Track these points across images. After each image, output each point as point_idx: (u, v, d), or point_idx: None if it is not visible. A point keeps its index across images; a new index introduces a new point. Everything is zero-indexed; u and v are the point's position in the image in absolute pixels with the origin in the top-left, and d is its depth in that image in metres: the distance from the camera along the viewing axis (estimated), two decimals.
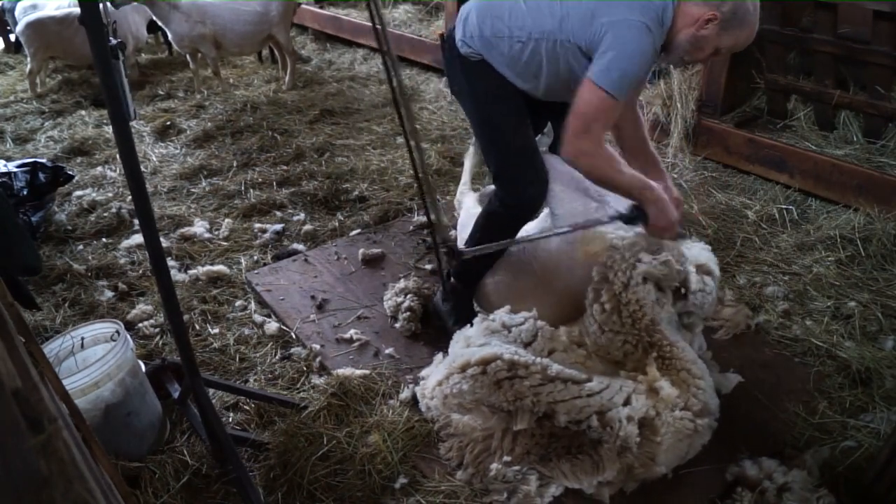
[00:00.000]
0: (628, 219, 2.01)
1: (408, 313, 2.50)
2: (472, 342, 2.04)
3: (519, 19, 1.95)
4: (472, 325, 2.16)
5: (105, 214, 3.44)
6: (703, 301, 2.04)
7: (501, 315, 2.15)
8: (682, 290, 2.01)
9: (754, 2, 1.82)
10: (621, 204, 2.12)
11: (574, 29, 1.86)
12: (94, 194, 3.69)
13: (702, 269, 2.11)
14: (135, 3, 5.11)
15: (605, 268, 2.02)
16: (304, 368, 2.35)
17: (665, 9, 1.80)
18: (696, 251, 2.26)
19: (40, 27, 5.11)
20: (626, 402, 1.84)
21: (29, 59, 5.31)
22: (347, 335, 2.48)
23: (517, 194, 2.15)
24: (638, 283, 1.94)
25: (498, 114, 2.09)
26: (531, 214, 2.29)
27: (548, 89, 2.06)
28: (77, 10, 5.25)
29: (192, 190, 3.78)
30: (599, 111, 1.80)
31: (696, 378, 1.93)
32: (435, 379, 1.98)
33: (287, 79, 5.48)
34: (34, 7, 5.53)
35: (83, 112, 5.03)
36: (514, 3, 1.98)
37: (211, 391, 2.12)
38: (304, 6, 6.81)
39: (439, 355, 2.20)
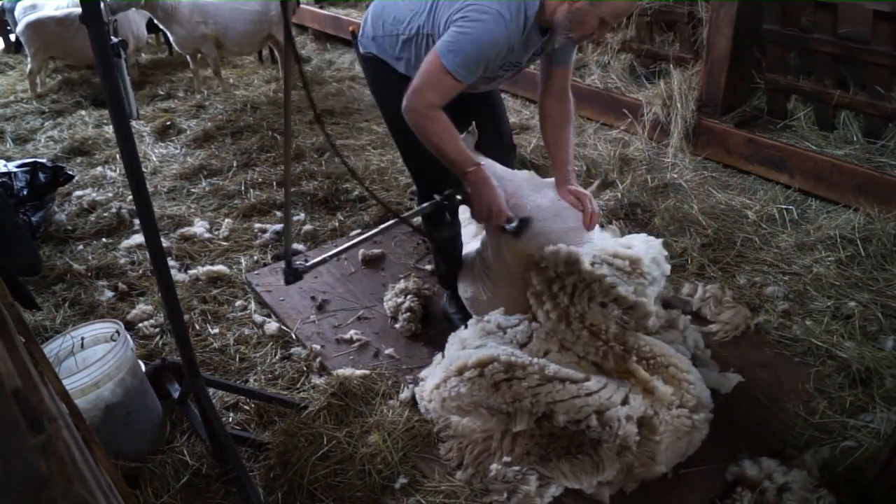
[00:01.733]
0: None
1: (408, 314, 2.50)
2: (467, 344, 2.04)
3: (399, 16, 2.01)
4: (466, 326, 2.16)
5: (105, 214, 3.44)
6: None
7: (496, 316, 2.15)
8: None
9: None
10: (540, 199, 2.13)
11: (440, 20, 1.90)
12: (94, 194, 3.69)
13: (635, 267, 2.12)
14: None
15: (543, 275, 2.05)
16: (304, 368, 2.35)
17: None
18: (638, 244, 2.24)
19: (40, 27, 5.11)
20: (625, 402, 1.84)
21: (29, 59, 5.31)
22: (347, 336, 2.48)
23: (428, 182, 2.18)
24: (592, 306, 1.99)
25: (398, 105, 2.12)
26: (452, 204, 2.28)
27: None
28: (77, 10, 5.28)
29: (192, 190, 3.78)
30: (434, 79, 1.82)
31: (684, 372, 1.96)
32: (432, 382, 1.97)
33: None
34: (34, 7, 5.53)
35: (83, 112, 5.03)
36: (396, 2, 2.03)
37: (211, 391, 2.12)
38: (303, 6, 6.81)
39: (439, 356, 2.19)
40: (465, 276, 2.44)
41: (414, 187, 2.57)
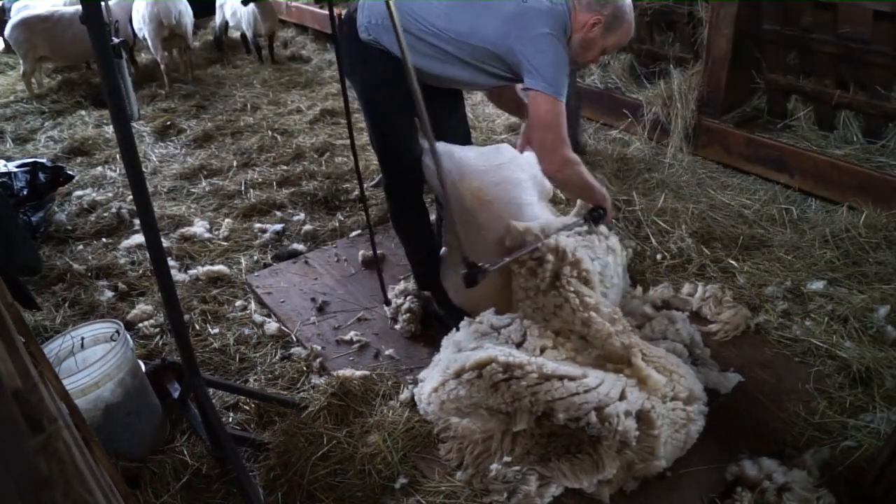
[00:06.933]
0: (595, 219, 2.23)
1: (408, 315, 2.50)
2: (463, 346, 2.04)
3: (432, 19, 2.04)
4: (458, 329, 2.16)
5: (105, 214, 3.44)
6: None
7: (489, 317, 2.15)
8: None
9: (629, 1, 2.03)
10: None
11: (490, 37, 2.01)
12: (94, 194, 3.69)
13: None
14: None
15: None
16: (304, 368, 2.35)
17: (566, 19, 2.01)
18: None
19: (25, 28, 5.04)
20: (622, 396, 1.84)
21: (21, 61, 5.29)
22: (347, 337, 2.48)
23: (396, 170, 2.36)
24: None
25: (385, 100, 2.21)
26: (416, 186, 2.42)
27: (450, 80, 2.18)
28: (63, 8, 5.24)
29: (192, 190, 3.78)
30: (559, 115, 1.99)
31: (674, 365, 2.00)
32: (430, 385, 1.97)
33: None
34: (27, 7, 5.50)
35: (83, 112, 5.04)
36: (425, 3, 2.06)
37: (211, 391, 2.12)
38: (303, 6, 6.81)
39: (436, 357, 2.19)
40: (447, 277, 2.45)
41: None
